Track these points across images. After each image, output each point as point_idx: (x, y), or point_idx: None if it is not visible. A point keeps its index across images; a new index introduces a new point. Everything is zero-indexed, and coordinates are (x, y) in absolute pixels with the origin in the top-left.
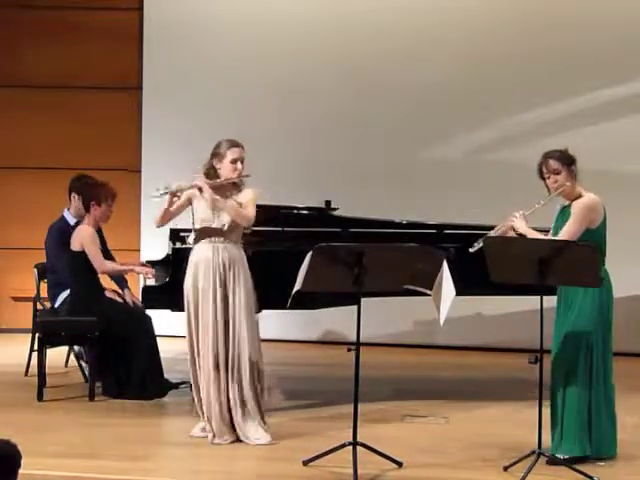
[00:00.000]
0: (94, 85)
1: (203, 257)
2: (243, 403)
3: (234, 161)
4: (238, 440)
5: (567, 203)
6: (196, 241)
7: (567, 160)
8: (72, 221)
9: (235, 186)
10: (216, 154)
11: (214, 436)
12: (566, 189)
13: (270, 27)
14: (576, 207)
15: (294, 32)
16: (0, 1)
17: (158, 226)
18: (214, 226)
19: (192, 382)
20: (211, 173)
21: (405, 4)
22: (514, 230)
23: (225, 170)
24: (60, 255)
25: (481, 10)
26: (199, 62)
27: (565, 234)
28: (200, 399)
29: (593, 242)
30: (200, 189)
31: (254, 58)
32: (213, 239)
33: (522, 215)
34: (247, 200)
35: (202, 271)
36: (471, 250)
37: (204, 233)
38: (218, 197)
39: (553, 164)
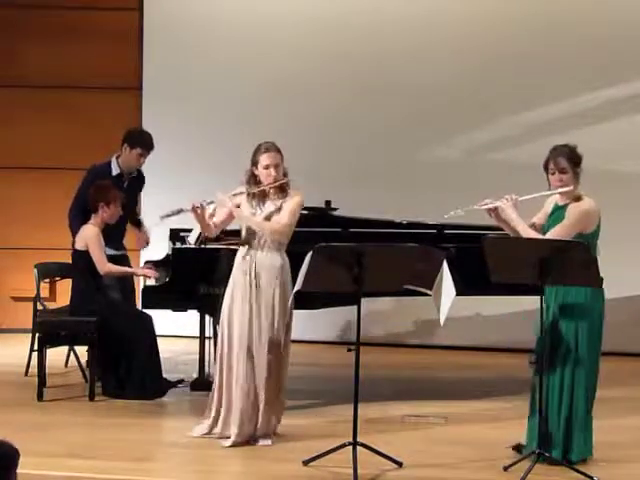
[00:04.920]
0: (94, 85)
1: (240, 262)
2: (257, 404)
3: (267, 167)
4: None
5: (562, 203)
6: (242, 245)
7: (576, 160)
8: (116, 171)
9: (280, 191)
10: (253, 160)
11: (233, 437)
12: (569, 191)
13: (270, 27)
14: (573, 210)
15: (294, 32)
16: (0, 1)
17: (211, 236)
18: (251, 229)
19: (216, 386)
20: (251, 181)
21: (405, 4)
22: (498, 212)
23: (262, 177)
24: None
25: (481, 10)
26: (199, 62)
27: (555, 234)
28: (220, 400)
29: None
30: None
31: (254, 58)
32: (250, 243)
33: (515, 200)
34: (285, 206)
35: (239, 275)
36: (446, 216)
37: (244, 236)
38: (238, 210)
39: (563, 163)
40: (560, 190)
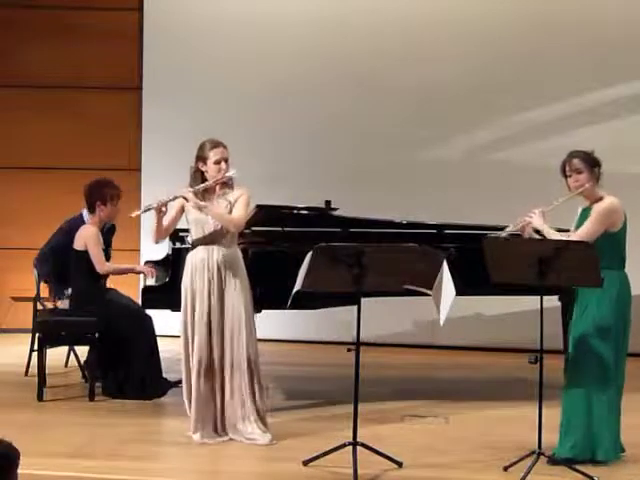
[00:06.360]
0: (94, 85)
1: (199, 260)
2: (242, 403)
3: (218, 162)
4: (230, 440)
5: (587, 205)
6: (193, 246)
7: (591, 162)
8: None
9: (226, 185)
10: (199, 157)
11: (202, 436)
12: (586, 190)
13: (270, 27)
14: (596, 209)
15: (294, 32)
16: (0, 1)
17: (156, 242)
18: (208, 227)
19: (184, 382)
20: (197, 176)
21: (405, 4)
22: (532, 227)
23: (211, 172)
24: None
25: (481, 10)
26: (199, 62)
27: (581, 234)
28: (191, 399)
29: (613, 245)
30: (185, 199)
31: (254, 58)
32: (207, 241)
33: (541, 212)
34: (238, 202)
35: (198, 274)
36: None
37: (198, 235)
38: (205, 204)
39: (577, 163)
40: (578, 191)
